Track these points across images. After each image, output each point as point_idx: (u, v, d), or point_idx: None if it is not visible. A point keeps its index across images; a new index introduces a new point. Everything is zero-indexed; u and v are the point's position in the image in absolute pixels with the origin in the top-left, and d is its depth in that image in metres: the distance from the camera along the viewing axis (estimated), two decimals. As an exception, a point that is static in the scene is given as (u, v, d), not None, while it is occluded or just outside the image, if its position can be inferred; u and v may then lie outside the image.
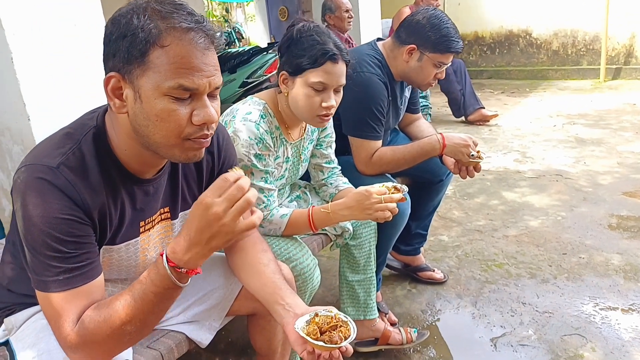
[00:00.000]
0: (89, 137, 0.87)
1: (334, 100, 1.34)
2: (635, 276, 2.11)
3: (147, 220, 1.00)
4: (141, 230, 0.99)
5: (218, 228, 0.78)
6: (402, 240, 2.10)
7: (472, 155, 1.70)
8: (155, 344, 1.10)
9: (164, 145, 0.84)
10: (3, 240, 1.22)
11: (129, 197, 0.93)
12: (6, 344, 1.00)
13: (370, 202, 1.29)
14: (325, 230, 1.60)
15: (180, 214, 1.08)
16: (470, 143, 1.70)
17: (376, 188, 1.31)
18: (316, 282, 1.38)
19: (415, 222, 2.11)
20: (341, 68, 1.33)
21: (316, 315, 0.94)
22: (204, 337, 1.14)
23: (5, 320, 1.00)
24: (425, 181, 2.04)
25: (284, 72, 1.34)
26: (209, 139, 0.88)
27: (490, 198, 3.12)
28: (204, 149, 0.89)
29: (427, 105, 4.23)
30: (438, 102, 5.53)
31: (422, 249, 2.24)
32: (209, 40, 0.82)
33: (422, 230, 2.17)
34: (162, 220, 1.04)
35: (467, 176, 1.76)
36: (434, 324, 1.92)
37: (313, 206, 1.39)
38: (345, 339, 0.89)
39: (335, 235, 1.60)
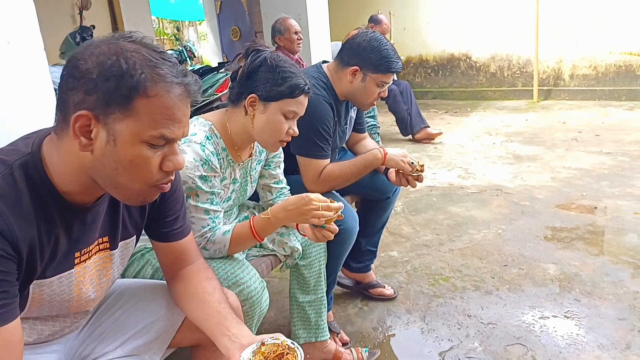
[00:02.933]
0: (21, 163, 0.83)
1: (296, 129, 1.41)
2: (569, 285, 2.24)
3: (83, 251, 0.95)
4: (76, 261, 0.94)
5: None
6: (353, 257, 2.13)
7: (413, 163, 1.78)
8: None
9: (126, 189, 0.84)
10: None
11: (64, 227, 0.89)
12: None
13: (309, 208, 1.30)
14: (274, 250, 1.58)
15: (120, 243, 1.04)
16: (407, 153, 1.79)
17: (316, 195, 1.33)
18: (264, 306, 1.36)
19: (365, 239, 2.14)
20: (306, 101, 1.42)
21: (262, 344, 0.93)
22: None
23: None
24: (373, 199, 2.09)
25: (253, 95, 1.34)
26: (169, 186, 0.90)
27: (437, 213, 3.22)
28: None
29: (375, 125, 4.34)
30: (386, 121, 5.69)
31: (372, 265, 2.27)
32: (190, 94, 0.85)
33: (372, 247, 2.20)
34: (100, 250, 1.00)
35: (409, 186, 1.83)
36: (384, 341, 1.94)
37: (254, 216, 1.38)
38: None
39: (284, 255, 1.59)
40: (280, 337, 0.93)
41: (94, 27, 4.25)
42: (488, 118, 6.12)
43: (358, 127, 2.11)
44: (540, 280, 2.30)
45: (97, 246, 0.99)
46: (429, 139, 5.02)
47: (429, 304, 2.17)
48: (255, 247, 1.60)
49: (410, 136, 5.11)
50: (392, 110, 5.02)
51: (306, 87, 1.38)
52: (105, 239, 1.00)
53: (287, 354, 0.90)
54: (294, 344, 0.92)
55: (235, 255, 1.39)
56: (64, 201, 0.87)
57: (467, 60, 7.55)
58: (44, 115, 1.53)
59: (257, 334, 1.44)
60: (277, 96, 1.35)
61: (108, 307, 1.13)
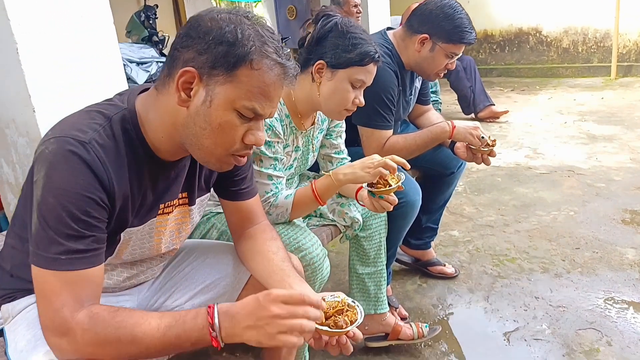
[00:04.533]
0: (120, 117, 0.87)
1: (362, 99, 1.37)
2: (651, 271, 2.07)
3: (166, 204, 0.99)
4: (159, 212, 0.98)
5: (264, 322, 0.79)
6: (413, 234, 2.07)
7: (483, 137, 1.69)
8: None
9: (207, 151, 0.88)
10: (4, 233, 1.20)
11: (151, 180, 0.92)
12: (1, 332, 0.99)
13: (372, 161, 1.27)
14: (334, 220, 1.57)
15: (197, 199, 1.07)
16: (479, 126, 1.69)
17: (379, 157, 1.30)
18: (325, 273, 1.36)
19: (426, 215, 2.08)
20: (375, 70, 1.38)
21: (323, 300, 0.92)
22: None
23: (2, 307, 0.98)
24: (436, 174, 2.01)
25: (322, 61, 1.32)
26: (246, 159, 0.93)
27: (502, 194, 3.08)
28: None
29: (437, 101, 4.19)
30: (448, 99, 5.49)
31: (432, 243, 2.21)
32: (287, 77, 0.88)
33: (432, 224, 2.14)
34: (180, 205, 1.03)
35: (483, 163, 1.74)
36: (445, 318, 1.89)
37: (315, 179, 1.37)
38: (352, 323, 0.87)
39: (344, 226, 1.57)
40: (341, 295, 0.92)
41: (157, 6, 4.38)
42: (559, 96, 5.73)
43: (422, 99, 2.03)
44: (617, 264, 2.14)
45: (178, 201, 1.02)
46: (494, 117, 4.79)
47: (493, 285, 2.08)
48: (315, 216, 1.59)
49: (472, 115, 4.89)
50: (454, 88, 4.82)
51: (376, 55, 1.33)
52: (185, 194, 1.04)
53: (347, 310, 0.89)
54: (354, 302, 0.91)
55: (297, 222, 1.39)
56: (154, 156, 0.91)
57: (537, 34, 7.08)
58: (111, 86, 1.59)
59: None
60: (346, 63, 1.31)
61: (178, 263, 1.17)
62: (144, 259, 1.03)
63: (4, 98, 1.59)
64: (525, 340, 1.72)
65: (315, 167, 1.69)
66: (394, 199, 1.33)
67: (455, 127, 1.71)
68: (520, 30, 7.21)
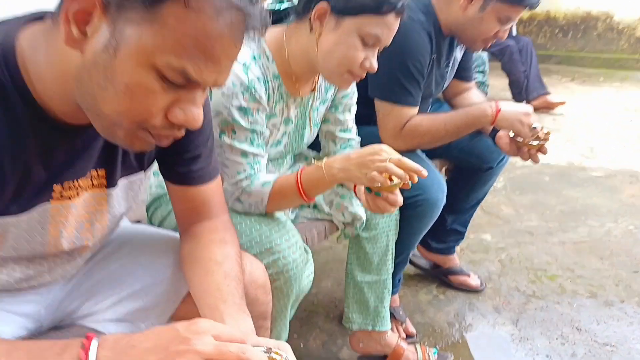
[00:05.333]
0: None
1: (375, 63, 1.03)
2: None
3: (67, 185, 0.71)
4: (54, 196, 0.70)
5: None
6: (434, 235, 1.74)
7: (535, 128, 1.32)
8: None
9: (109, 121, 0.60)
10: None
11: (42, 151, 0.65)
12: None
13: (373, 158, 0.95)
14: (332, 216, 1.26)
15: (121, 180, 0.79)
16: (531, 112, 1.32)
17: (389, 147, 0.98)
18: (305, 284, 1.07)
19: (453, 215, 1.73)
20: (396, 25, 1.02)
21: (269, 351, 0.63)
22: None
23: None
24: (470, 167, 1.66)
25: (324, 4, 0.99)
26: (172, 140, 0.65)
27: (548, 196, 2.67)
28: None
29: (485, 83, 3.73)
30: (497, 84, 4.97)
31: (457, 248, 1.86)
32: (248, 32, 0.59)
33: (460, 227, 1.79)
34: (93, 187, 0.75)
35: (530, 160, 1.38)
36: (460, 342, 1.56)
37: (303, 167, 1.06)
38: None
39: (343, 223, 1.26)
40: (279, 354, 0.62)
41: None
42: (626, 91, 5.10)
43: (463, 73, 1.66)
44: (687, 299, 1.74)
45: (90, 181, 0.74)
46: (548, 108, 4.28)
47: (525, 305, 1.73)
48: (308, 207, 1.29)
49: (524, 103, 4.39)
50: (506, 71, 4.32)
51: (400, 4, 0.99)
52: (102, 172, 0.75)
53: None
54: None
55: (277, 214, 1.10)
56: (46, 117, 0.63)
57: (607, 20, 6.35)
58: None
59: (294, 315, 1.16)
60: (357, 9, 0.98)
61: (105, 257, 0.90)
62: (40, 256, 0.76)
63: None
64: (559, 385, 1.38)
65: (317, 146, 1.37)
66: (396, 198, 1.00)
67: (500, 110, 1.34)
68: (588, 15, 6.49)
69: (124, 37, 0.54)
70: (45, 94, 0.62)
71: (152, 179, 1.19)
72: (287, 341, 1.41)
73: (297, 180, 1.02)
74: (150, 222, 1.17)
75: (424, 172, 0.96)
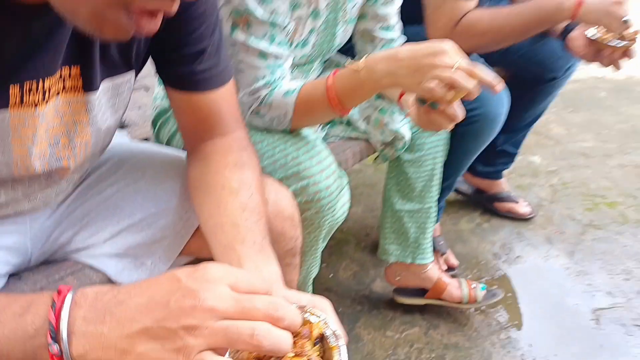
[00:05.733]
0: None
1: None
2: None
3: (27, 85, 0.53)
4: (13, 101, 0.53)
5: (179, 324, 0.36)
6: (482, 157, 1.51)
7: (626, 21, 1.05)
8: (54, 286, 0.66)
9: (68, 3, 0.43)
10: None
11: None
12: None
13: (434, 62, 0.71)
14: (368, 133, 1.06)
15: (104, 82, 0.60)
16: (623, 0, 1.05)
17: (453, 47, 0.73)
18: (340, 214, 0.90)
19: (505, 134, 1.51)
20: None
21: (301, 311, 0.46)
22: None
23: None
24: (531, 77, 1.41)
25: None
26: (159, 21, 0.45)
27: (606, 113, 2.38)
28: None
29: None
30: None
31: (505, 171, 1.66)
32: None
33: (511, 148, 1.58)
34: (65, 90, 0.57)
35: (612, 66, 1.12)
36: (507, 275, 1.41)
37: (336, 69, 0.84)
38: None
39: (382, 143, 1.07)
40: (315, 315, 0.46)
41: None
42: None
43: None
44: None
45: (61, 82, 0.56)
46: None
47: (582, 236, 1.55)
48: (341, 123, 1.09)
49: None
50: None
51: None
52: (76, 70, 0.57)
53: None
54: (334, 336, 0.45)
55: (305, 130, 0.90)
56: None
57: None
58: None
59: (326, 247, 1.01)
60: None
61: (98, 179, 0.73)
62: (10, 179, 0.60)
63: None
64: (623, 325, 1.22)
65: (350, 51, 1.13)
66: (456, 113, 0.78)
67: (583, 1, 1.06)
68: None
69: None
70: None
71: (157, 89, 1.00)
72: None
73: (329, 87, 0.81)
74: (158, 141, 1.00)
75: (499, 86, 0.73)
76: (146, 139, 1.12)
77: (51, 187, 0.65)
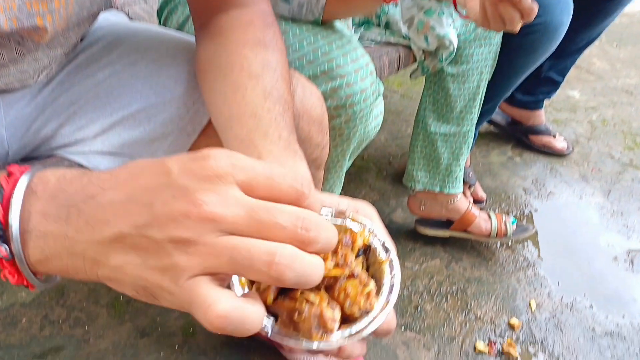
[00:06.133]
0: None
1: None
2: None
3: None
4: None
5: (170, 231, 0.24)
6: (523, 84, 1.38)
7: None
8: None
9: None
10: None
11: None
12: None
13: None
14: (409, 38, 0.92)
15: None
16: None
17: None
18: (373, 127, 0.79)
19: (553, 59, 1.34)
20: None
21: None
22: None
23: None
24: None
25: None
26: None
27: (655, 49, 2.18)
28: None
29: None
30: None
31: (546, 102, 1.52)
32: None
33: (556, 76, 1.43)
34: None
35: None
36: (538, 211, 1.32)
37: None
38: (364, 311, 0.32)
39: (424, 51, 0.93)
40: (357, 222, 0.36)
41: None
42: None
43: None
44: None
45: None
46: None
47: (620, 175, 1.44)
48: (378, 25, 0.94)
49: None
50: None
51: None
52: None
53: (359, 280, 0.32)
54: (385, 252, 0.35)
55: (339, 24, 0.77)
56: None
57: None
58: None
59: (348, 174, 0.91)
60: None
61: (88, 60, 0.61)
62: None
63: None
64: (659, 269, 1.15)
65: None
66: (530, 5, 0.65)
67: None
68: None
69: None
70: None
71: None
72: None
73: None
74: (160, 18, 0.87)
75: None
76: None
77: (26, 59, 0.53)
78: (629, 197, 1.36)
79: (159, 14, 0.85)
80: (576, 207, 1.33)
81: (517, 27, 0.68)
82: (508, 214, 1.28)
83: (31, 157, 0.61)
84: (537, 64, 1.06)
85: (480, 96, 1.01)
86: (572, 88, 1.89)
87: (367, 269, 0.36)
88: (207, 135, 0.59)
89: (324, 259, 0.30)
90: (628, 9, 2.60)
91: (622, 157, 1.51)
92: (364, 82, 0.70)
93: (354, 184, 1.40)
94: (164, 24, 0.85)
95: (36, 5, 0.47)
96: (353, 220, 0.37)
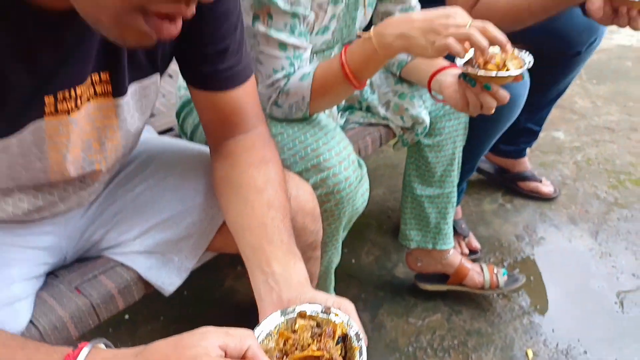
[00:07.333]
0: None
1: None
2: None
3: (60, 95, 0.54)
4: (47, 110, 0.54)
5: None
6: (504, 136, 1.48)
7: None
8: (88, 285, 0.70)
9: (92, 4, 0.43)
10: None
11: (17, 47, 0.47)
12: None
13: (447, 22, 0.71)
14: (388, 119, 1.04)
15: (132, 86, 0.61)
16: None
17: (464, 12, 0.73)
18: (360, 204, 0.89)
19: (528, 112, 1.46)
20: None
21: (300, 316, 0.50)
22: (167, 280, 0.72)
23: None
24: (553, 52, 1.35)
25: None
26: (179, 25, 0.46)
27: (632, 84, 2.30)
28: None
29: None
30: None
31: (528, 150, 1.62)
32: None
33: (534, 126, 1.53)
34: (96, 95, 0.58)
35: (629, 27, 1.05)
36: (531, 257, 1.39)
37: (347, 44, 0.83)
38: None
39: (402, 128, 1.04)
40: (339, 316, 0.50)
41: None
42: None
43: None
44: None
45: (91, 88, 0.57)
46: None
47: (606, 215, 1.51)
48: (360, 109, 1.07)
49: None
50: None
51: None
52: (105, 75, 0.58)
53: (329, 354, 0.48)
54: (357, 341, 0.49)
55: (324, 120, 0.88)
56: (20, 5, 0.46)
57: None
58: None
59: (349, 232, 1.01)
60: None
61: (127, 178, 0.75)
62: (47, 184, 0.62)
63: None
64: (649, 308, 1.21)
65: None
66: (505, 94, 0.77)
67: None
68: None
69: None
70: None
71: (181, 80, 0.99)
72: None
73: (342, 61, 0.79)
74: (182, 130, 1.00)
75: (509, 46, 0.73)
76: (171, 128, 1.13)
77: (85, 190, 0.67)
78: (616, 237, 1.43)
79: (178, 115, 0.98)
80: (566, 252, 1.40)
81: (492, 111, 0.79)
82: (502, 262, 1.35)
83: (83, 258, 0.74)
84: (504, 130, 1.17)
85: (457, 161, 1.12)
86: (557, 129, 1.99)
87: (345, 353, 0.49)
88: (222, 234, 0.71)
89: (309, 345, 0.47)
90: (605, 45, 2.74)
91: (608, 197, 1.59)
92: (347, 171, 0.81)
93: (357, 242, 1.48)
94: (182, 124, 0.98)
95: (94, 155, 0.61)
96: (336, 314, 0.50)
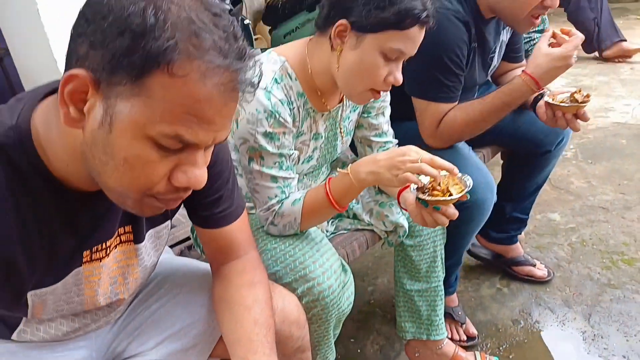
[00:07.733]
0: None
1: (400, 76, 0.97)
2: None
3: (95, 249, 0.72)
4: (85, 260, 0.72)
5: None
6: (494, 225, 1.63)
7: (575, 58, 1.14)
8: None
9: (116, 192, 0.61)
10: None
11: (66, 221, 0.66)
12: None
13: (403, 159, 0.91)
14: (372, 225, 1.21)
15: (148, 233, 0.80)
16: (570, 53, 1.13)
17: (417, 149, 0.94)
18: (346, 306, 1.03)
19: (512, 204, 1.61)
20: (422, 34, 0.96)
21: None
22: None
23: None
24: (526, 152, 1.53)
25: (344, 21, 0.94)
26: (181, 201, 0.65)
27: (626, 162, 2.41)
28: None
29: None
30: (563, 35, 4.52)
31: (520, 236, 1.74)
32: (240, 86, 0.57)
33: (520, 215, 1.66)
34: (121, 242, 0.77)
35: (570, 127, 1.21)
36: (526, 341, 1.47)
37: (330, 177, 1.03)
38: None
39: (385, 231, 1.21)
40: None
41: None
42: None
43: (512, 55, 1.50)
44: None
45: (118, 238, 0.76)
46: (624, 57, 3.82)
47: (599, 297, 1.59)
48: (348, 217, 1.24)
49: (596, 53, 3.96)
50: (572, 21, 3.88)
51: (423, 14, 0.91)
52: (128, 228, 0.77)
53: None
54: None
55: (314, 234, 1.06)
56: (64, 189, 0.64)
57: (697, -58, 5.51)
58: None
59: (350, 317, 1.11)
60: (378, 25, 0.91)
61: (146, 296, 0.93)
62: (82, 312, 0.80)
63: (31, 63, 1.57)
64: (639, 391, 1.26)
65: (355, 149, 1.31)
66: (454, 212, 0.94)
67: (530, 73, 1.16)
68: (673, -62, 5.66)
69: (116, 112, 0.54)
70: (62, 168, 0.62)
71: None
72: (343, 347, 1.39)
73: (327, 191, 0.99)
74: (196, 244, 1.19)
75: (456, 170, 0.92)
76: (188, 238, 1.33)
77: (112, 312, 0.85)
78: (608, 318, 1.49)
79: (192, 230, 1.18)
80: (560, 336, 1.47)
81: (446, 225, 0.95)
82: (499, 348, 1.43)
83: None
84: (477, 230, 1.31)
85: (439, 258, 1.26)
86: (553, 210, 2.11)
87: None
88: (222, 342, 0.86)
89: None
90: (600, 123, 2.90)
91: (601, 278, 1.67)
92: (330, 280, 0.98)
93: (362, 331, 1.58)
94: (196, 239, 1.16)
95: (119, 287, 0.80)
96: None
